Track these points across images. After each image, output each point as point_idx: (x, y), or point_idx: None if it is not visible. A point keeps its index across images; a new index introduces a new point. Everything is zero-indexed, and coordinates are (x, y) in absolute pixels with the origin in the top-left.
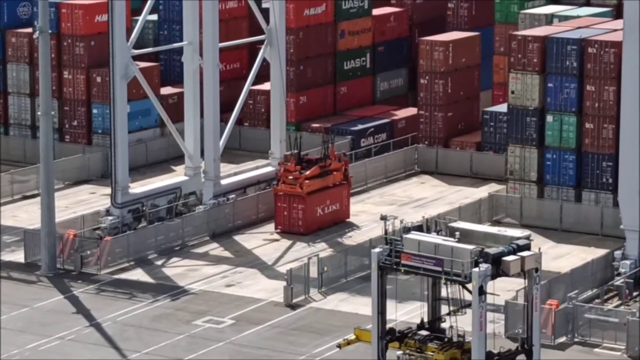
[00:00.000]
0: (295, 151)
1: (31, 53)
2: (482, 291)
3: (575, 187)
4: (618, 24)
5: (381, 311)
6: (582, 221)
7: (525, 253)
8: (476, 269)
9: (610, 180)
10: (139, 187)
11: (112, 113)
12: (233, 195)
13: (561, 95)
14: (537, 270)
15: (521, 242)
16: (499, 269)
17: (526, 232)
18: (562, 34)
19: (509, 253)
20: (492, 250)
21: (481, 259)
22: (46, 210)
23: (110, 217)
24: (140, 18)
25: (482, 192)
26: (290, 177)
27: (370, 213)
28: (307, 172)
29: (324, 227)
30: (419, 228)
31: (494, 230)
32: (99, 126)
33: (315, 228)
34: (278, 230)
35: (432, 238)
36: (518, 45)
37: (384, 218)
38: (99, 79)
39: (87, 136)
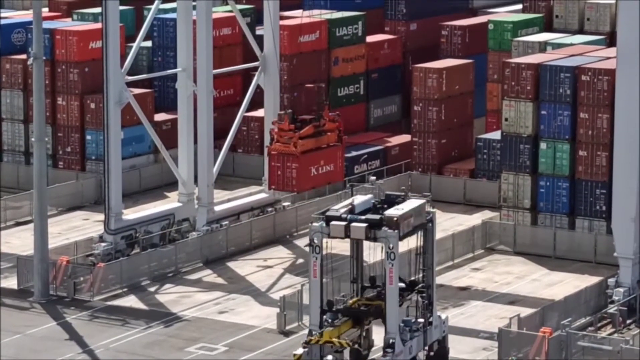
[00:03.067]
0: (289, 110)
1: (25, 79)
2: (311, 243)
3: (568, 215)
4: (611, 51)
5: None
6: (575, 248)
7: (356, 224)
8: (310, 224)
9: (604, 208)
10: (132, 214)
11: (106, 139)
12: (226, 222)
13: (555, 122)
14: (390, 247)
15: (373, 217)
16: None
17: (399, 213)
18: (555, 62)
19: (351, 220)
20: (330, 212)
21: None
22: (39, 237)
23: (103, 244)
24: (135, 45)
25: (475, 219)
26: (285, 137)
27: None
28: (301, 131)
29: (318, 187)
30: (396, 197)
31: (397, 206)
32: (93, 152)
33: (309, 187)
34: (272, 189)
35: (360, 200)
36: (511, 73)
37: (371, 182)
38: (92, 105)
39: (81, 162)
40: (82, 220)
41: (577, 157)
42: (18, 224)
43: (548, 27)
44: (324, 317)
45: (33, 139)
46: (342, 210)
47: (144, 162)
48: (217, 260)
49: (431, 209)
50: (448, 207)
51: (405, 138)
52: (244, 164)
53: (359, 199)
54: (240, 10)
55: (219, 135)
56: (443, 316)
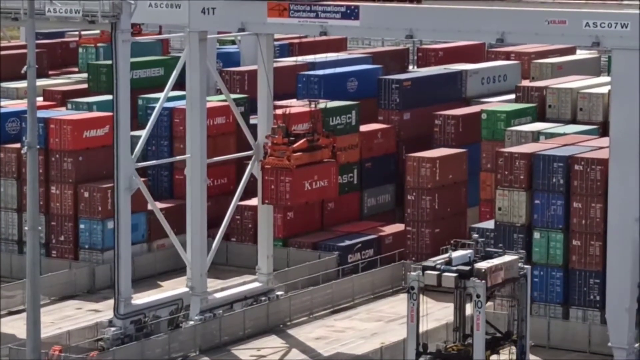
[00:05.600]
0: (283, 124)
1: (19, 168)
2: (409, 290)
3: (562, 304)
4: (604, 141)
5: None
6: (569, 338)
7: (447, 274)
8: (408, 273)
9: (598, 298)
10: (139, 299)
11: (116, 225)
12: (220, 311)
13: (548, 212)
14: (478, 296)
15: (463, 268)
16: None
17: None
18: (548, 151)
19: (444, 270)
20: (427, 263)
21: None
22: (32, 326)
23: (112, 328)
24: (144, 132)
25: (470, 309)
26: (279, 151)
27: (357, 329)
28: (295, 145)
29: (311, 201)
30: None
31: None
32: (86, 241)
33: (303, 202)
34: (265, 203)
35: (459, 254)
36: (505, 162)
37: (474, 239)
38: (86, 194)
39: (74, 251)
40: (75, 309)
41: (570, 246)
42: (10, 313)
43: (541, 117)
44: None
45: (26, 228)
46: (439, 262)
47: (137, 251)
48: (210, 350)
49: (525, 266)
50: (442, 296)
51: (399, 227)
52: (238, 253)
53: (457, 253)
54: (234, 100)
55: (213, 223)
56: None
